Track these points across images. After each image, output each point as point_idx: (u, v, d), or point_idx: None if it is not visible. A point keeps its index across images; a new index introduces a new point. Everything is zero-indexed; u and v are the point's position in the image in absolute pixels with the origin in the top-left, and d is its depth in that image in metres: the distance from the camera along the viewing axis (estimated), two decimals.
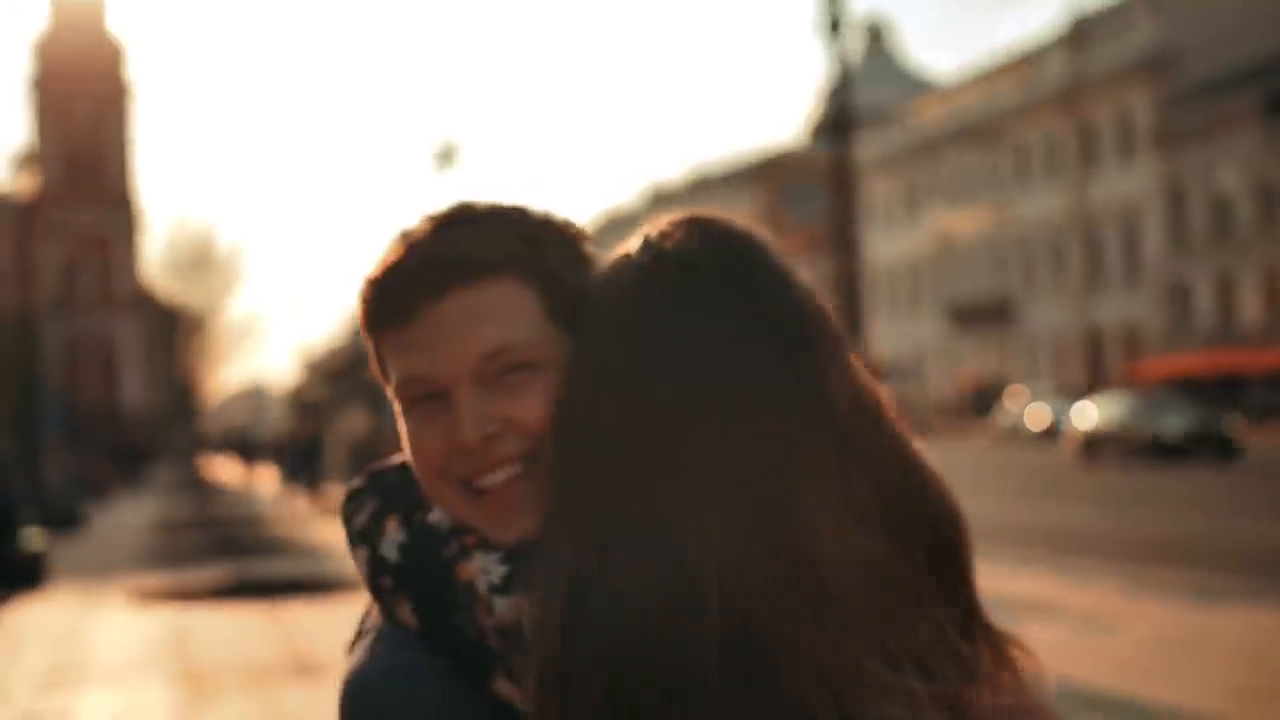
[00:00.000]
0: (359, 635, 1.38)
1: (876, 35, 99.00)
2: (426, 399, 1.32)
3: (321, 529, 24.82)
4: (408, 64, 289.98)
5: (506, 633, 1.24)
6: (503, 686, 1.25)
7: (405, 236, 1.36)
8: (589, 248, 1.38)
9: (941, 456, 1.34)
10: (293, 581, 15.94)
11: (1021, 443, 47.32)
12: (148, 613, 14.19)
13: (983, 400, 61.42)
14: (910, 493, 1.24)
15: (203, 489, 39.98)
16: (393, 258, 1.34)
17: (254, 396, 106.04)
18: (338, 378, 34.67)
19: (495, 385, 1.30)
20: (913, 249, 74.35)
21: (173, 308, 48.62)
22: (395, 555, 1.32)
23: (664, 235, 1.28)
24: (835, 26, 15.57)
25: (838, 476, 1.19)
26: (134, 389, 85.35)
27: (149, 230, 78.11)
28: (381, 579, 1.32)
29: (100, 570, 18.74)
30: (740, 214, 1.35)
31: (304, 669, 10.57)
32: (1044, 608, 11.18)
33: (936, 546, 1.23)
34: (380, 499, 1.37)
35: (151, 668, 11.00)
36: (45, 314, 51.48)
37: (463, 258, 1.32)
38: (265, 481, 45.17)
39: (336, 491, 34.21)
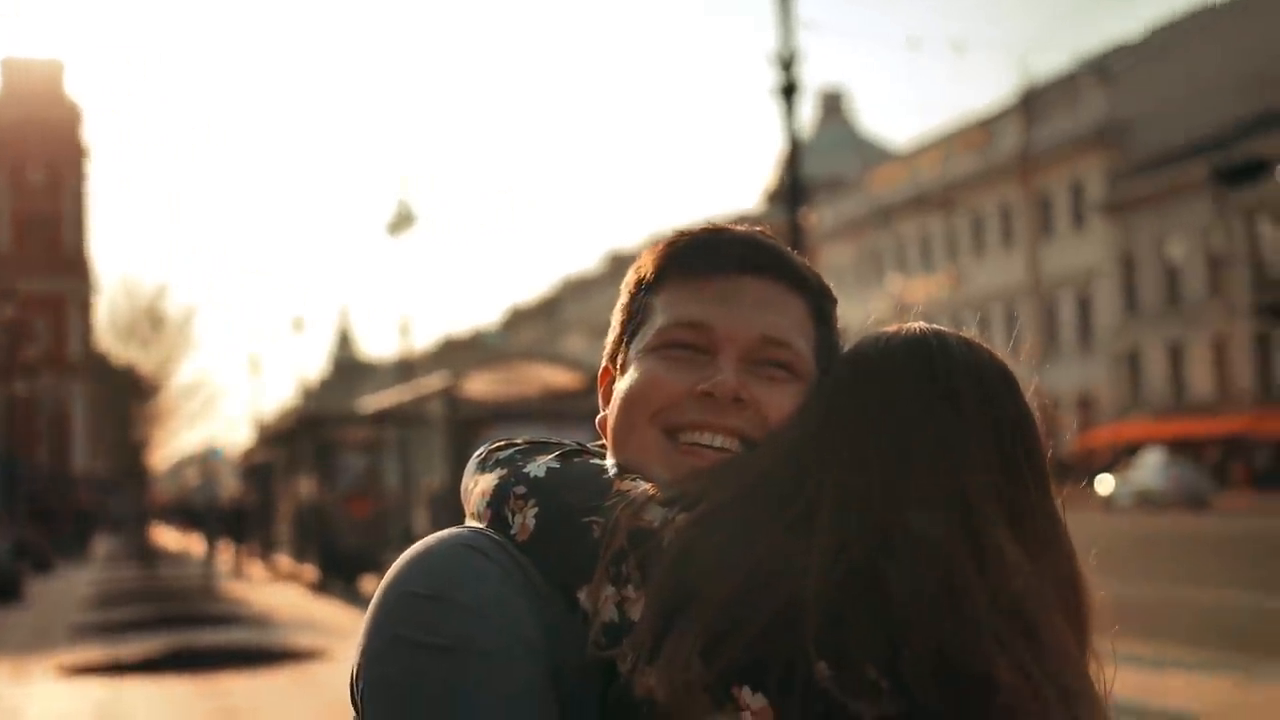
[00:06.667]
0: None
1: (834, 104, 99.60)
2: (682, 347, 1.40)
3: (266, 597, 24.42)
4: (364, 127, 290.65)
5: (641, 535, 1.29)
6: (594, 594, 1.29)
7: (724, 226, 1.48)
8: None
9: None
10: (230, 652, 15.63)
11: None
12: (77, 687, 13.85)
13: None
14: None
15: (148, 557, 39.39)
16: (719, 227, 1.47)
17: (206, 462, 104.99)
18: (288, 441, 34.23)
19: (755, 368, 1.40)
20: (871, 315, 74.39)
21: (125, 371, 47.88)
22: (541, 472, 1.38)
23: (933, 335, 1.45)
24: (789, 93, 15.52)
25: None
26: (85, 454, 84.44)
27: (102, 293, 77.32)
28: (515, 488, 1.37)
29: (33, 642, 18.33)
30: None
31: None
32: None
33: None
34: (534, 446, 1.44)
35: None
36: None
37: (787, 261, 1.46)
38: (212, 548, 44.52)
39: (283, 558, 33.77)
